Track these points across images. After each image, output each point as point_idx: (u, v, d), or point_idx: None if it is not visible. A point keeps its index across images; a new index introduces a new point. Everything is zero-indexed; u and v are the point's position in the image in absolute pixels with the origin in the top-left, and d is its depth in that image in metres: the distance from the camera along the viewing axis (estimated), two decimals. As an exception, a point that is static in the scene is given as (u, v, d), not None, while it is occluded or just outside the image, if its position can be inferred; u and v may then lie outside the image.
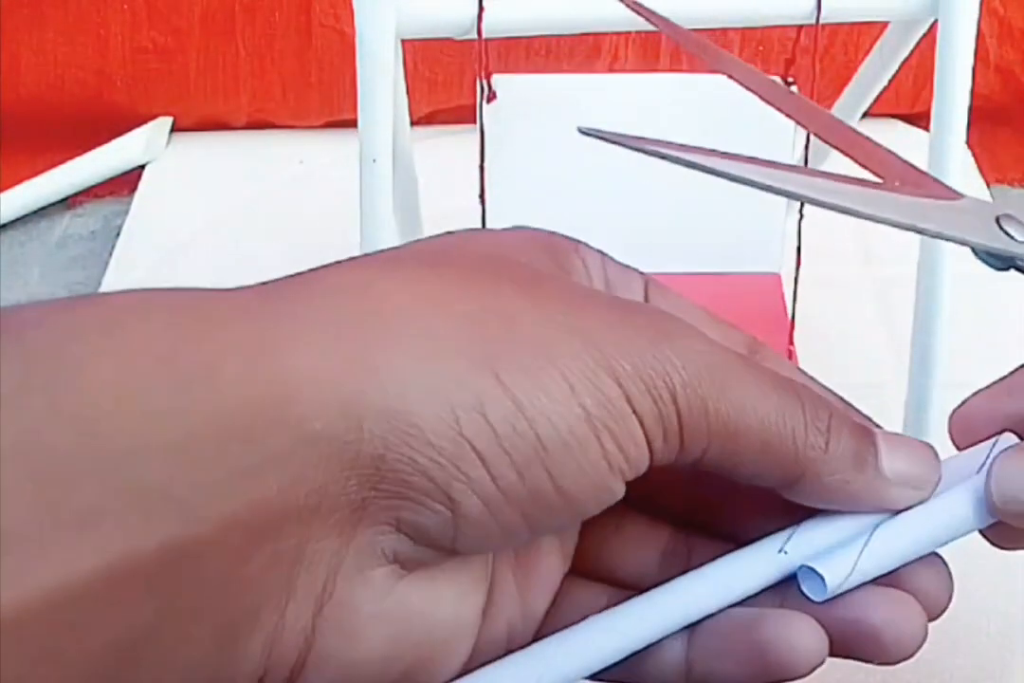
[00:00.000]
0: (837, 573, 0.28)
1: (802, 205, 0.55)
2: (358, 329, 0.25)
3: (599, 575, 0.32)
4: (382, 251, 0.29)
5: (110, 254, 0.80)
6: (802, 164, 0.55)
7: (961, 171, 0.53)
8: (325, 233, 0.79)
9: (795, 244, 0.56)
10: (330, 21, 0.82)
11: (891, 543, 0.29)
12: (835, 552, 0.28)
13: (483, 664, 0.29)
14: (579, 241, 0.32)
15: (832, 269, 0.74)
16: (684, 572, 0.30)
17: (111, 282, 0.78)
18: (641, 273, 0.33)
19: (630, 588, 0.31)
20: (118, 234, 0.81)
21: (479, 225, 0.53)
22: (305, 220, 0.81)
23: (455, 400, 0.25)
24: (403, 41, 0.47)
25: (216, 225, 0.82)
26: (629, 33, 0.76)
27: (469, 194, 0.55)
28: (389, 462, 0.25)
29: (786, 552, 0.29)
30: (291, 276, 0.28)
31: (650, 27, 0.51)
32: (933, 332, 0.55)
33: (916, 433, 0.57)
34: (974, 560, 0.50)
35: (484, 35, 0.45)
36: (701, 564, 0.30)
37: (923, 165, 0.53)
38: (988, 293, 0.73)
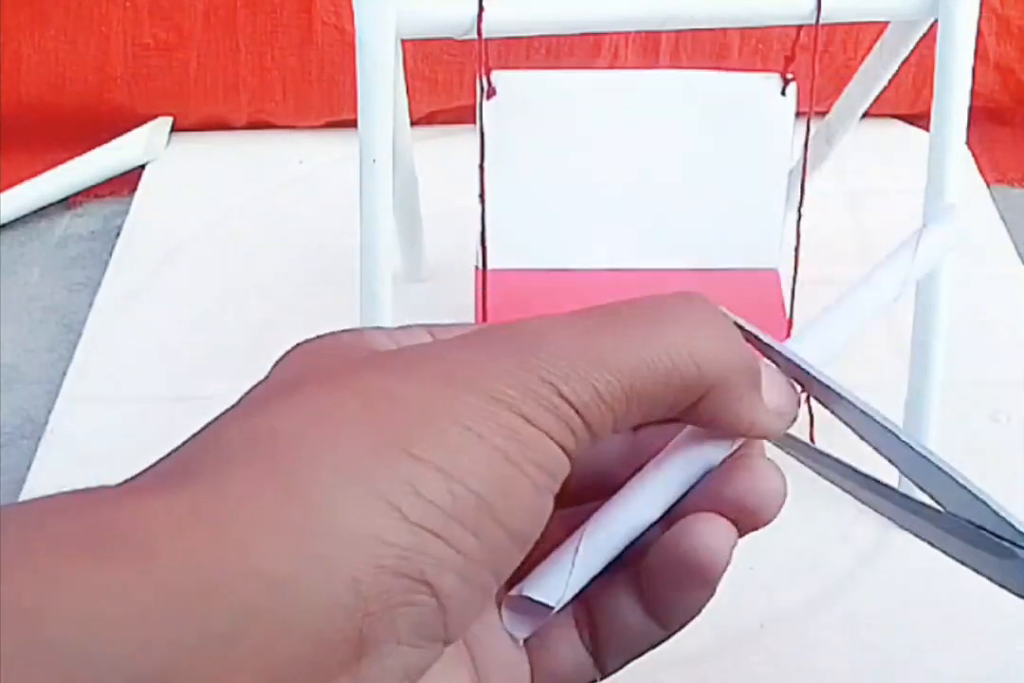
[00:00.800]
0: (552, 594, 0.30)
1: (800, 203, 0.55)
2: (285, 472, 0.25)
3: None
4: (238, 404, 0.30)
5: (110, 254, 0.80)
6: (801, 166, 0.55)
7: (961, 171, 0.53)
8: (325, 233, 0.79)
9: (793, 242, 0.56)
10: (331, 18, 0.82)
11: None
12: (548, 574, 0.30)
13: None
14: (355, 329, 0.32)
15: (831, 268, 0.74)
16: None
17: (111, 282, 0.78)
18: (422, 326, 0.33)
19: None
20: (118, 234, 0.81)
21: (479, 224, 0.53)
22: (305, 220, 0.81)
23: (389, 493, 0.25)
24: (403, 41, 0.47)
25: (216, 225, 0.82)
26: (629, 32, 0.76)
27: (469, 194, 0.55)
28: (365, 581, 0.25)
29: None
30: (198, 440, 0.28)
31: (650, 27, 0.51)
32: (933, 332, 0.55)
33: (916, 432, 0.57)
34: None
35: (484, 35, 0.45)
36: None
37: (923, 165, 0.54)
38: (988, 293, 0.73)
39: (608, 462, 0.33)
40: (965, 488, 0.29)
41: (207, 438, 0.28)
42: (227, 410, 0.29)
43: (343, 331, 0.32)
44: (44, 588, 0.23)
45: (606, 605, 0.32)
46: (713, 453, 0.31)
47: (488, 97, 0.49)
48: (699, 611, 0.32)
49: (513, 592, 0.30)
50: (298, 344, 0.32)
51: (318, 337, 0.32)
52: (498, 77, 0.52)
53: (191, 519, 0.24)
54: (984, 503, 0.29)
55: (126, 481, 0.27)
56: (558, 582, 0.30)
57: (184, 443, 0.28)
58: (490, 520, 0.27)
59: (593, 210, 0.60)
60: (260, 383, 0.31)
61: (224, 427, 0.28)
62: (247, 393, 0.30)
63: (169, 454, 0.28)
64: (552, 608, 0.29)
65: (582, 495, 0.33)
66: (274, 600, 0.24)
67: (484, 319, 0.52)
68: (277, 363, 0.32)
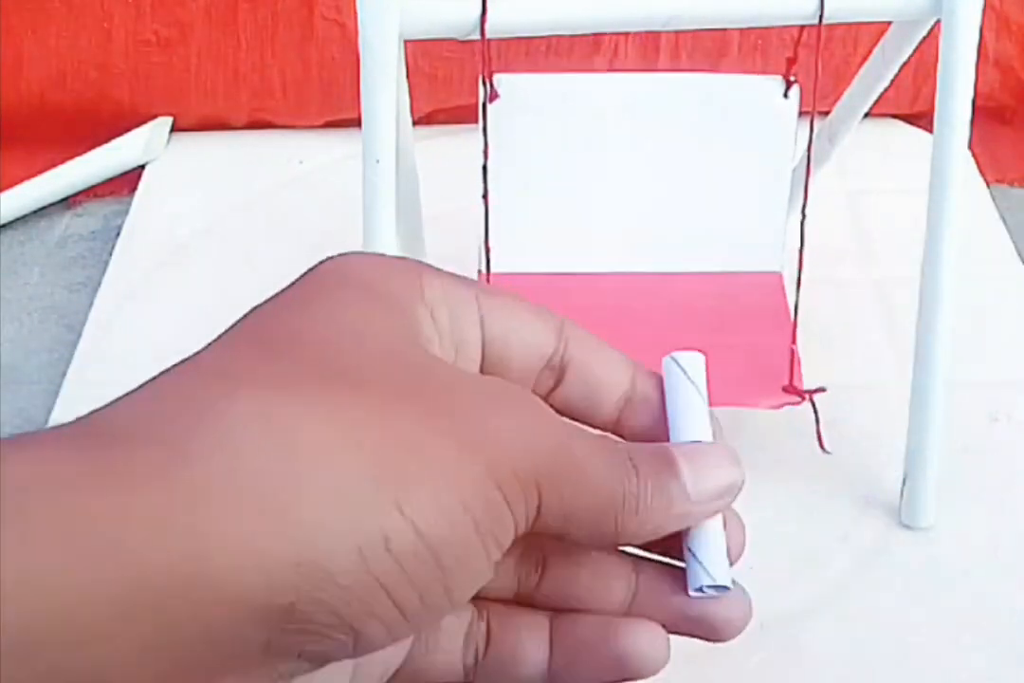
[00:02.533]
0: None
1: (804, 205, 0.55)
2: (267, 477, 0.26)
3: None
4: (249, 345, 0.29)
5: (110, 254, 0.80)
6: (805, 166, 0.55)
7: (964, 172, 0.53)
8: (325, 233, 0.79)
9: (797, 244, 0.56)
10: (332, 14, 0.82)
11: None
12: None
13: None
14: (421, 265, 0.33)
15: (832, 269, 0.74)
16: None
17: (111, 282, 0.78)
18: (471, 282, 0.33)
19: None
20: (118, 234, 0.81)
21: (481, 225, 0.53)
22: (305, 220, 0.81)
23: (362, 540, 0.26)
24: (405, 40, 0.47)
25: (216, 225, 0.82)
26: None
27: (470, 194, 0.55)
28: (299, 608, 0.25)
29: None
30: (182, 402, 0.28)
31: (653, 28, 0.51)
32: (936, 331, 0.55)
33: (919, 433, 0.57)
34: (974, 560, 0.50)
35: (487, 35, 0.45)
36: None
37: (923, 165, 0.54)
38: (988, 293, 0.74)
39: None
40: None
41: (215, 410, 0.27)
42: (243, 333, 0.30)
43: (394, 260, 0.32)
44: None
45: (513, 640, 0.33)
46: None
47: (491, 100, 0.49)
48: None
49: (701, 586, 0.31)
50: (336, 263, 0.32)
51: (362, 262, 0.32)
52: (501, 80, 0.52)
53: (165, 516, 0.24)
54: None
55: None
56: (724, 566, 0.32)
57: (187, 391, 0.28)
58: (439, 586, 0.27)
59: (596, 213, 0.60)
60: (284, 297, 0.30)
61: (232, 402, 0.27)
62: (272, 301, 0.30)
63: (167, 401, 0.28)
64: (728, 587, 0.31)
65: None
66: (214, 610, 0.24)
67: None
68: (309, 277, 0.31)
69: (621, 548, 0.33)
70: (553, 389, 0.33)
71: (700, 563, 0.31)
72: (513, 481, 0.28)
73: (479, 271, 0.55)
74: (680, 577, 0.32)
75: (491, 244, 0.53)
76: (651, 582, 0.33)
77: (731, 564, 0.32)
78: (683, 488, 0.31)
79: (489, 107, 0.51)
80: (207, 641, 0.25)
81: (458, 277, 0.33)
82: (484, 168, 0.51)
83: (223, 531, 0.25)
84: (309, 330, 0.29)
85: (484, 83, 0.52)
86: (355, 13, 0.44)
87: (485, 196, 0.52)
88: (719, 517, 0.32)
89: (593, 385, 0.34)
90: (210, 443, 0.26)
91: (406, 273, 0.32)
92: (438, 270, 0.33)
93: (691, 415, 0.33)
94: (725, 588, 0.31)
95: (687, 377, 0.33)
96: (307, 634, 0.26)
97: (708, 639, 0.32)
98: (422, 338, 0.31)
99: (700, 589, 0.31)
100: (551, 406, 0.31)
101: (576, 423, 0.32)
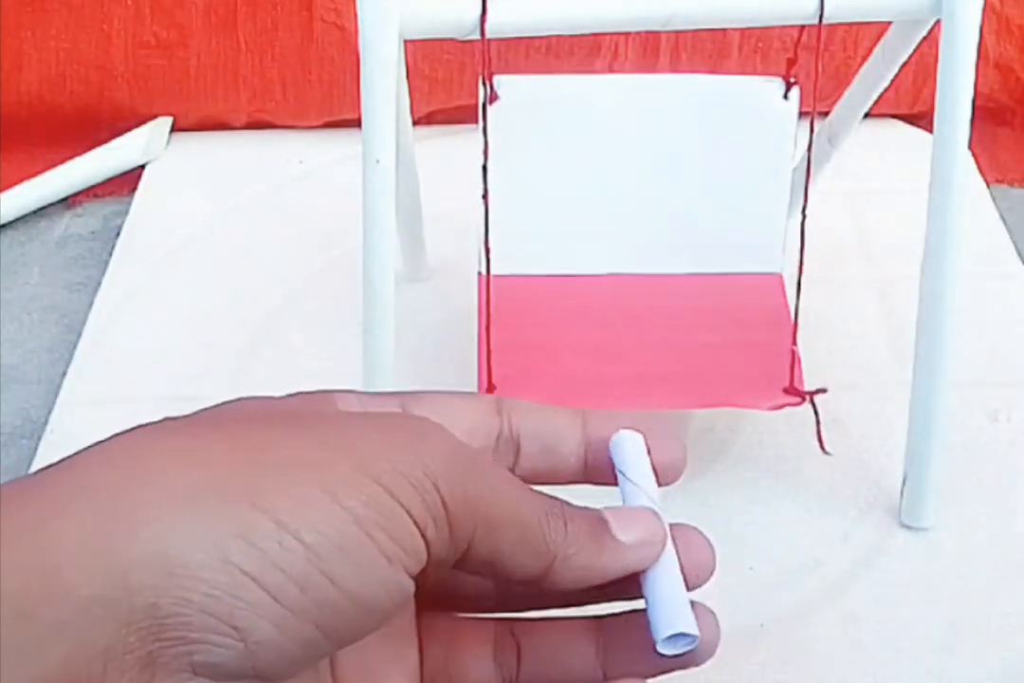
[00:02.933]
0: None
1: (804, 205, 0.55)
2: (118, 491, 0.27)
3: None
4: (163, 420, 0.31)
5: (110, 254, 0.80)
6: (805, 167, 0.55)
7: (965, 172, 0.53)
8: (325, 233, 0.79)
9: (797, 244, 0.56)
10: (331, 16, 0.82)
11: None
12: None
13: None
14: (331, 390, 0.34)
15: (833, 269, 0.74)
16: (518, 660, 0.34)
17: (111, 282, 0.78)
18: (398, 394, 0.35)
19: None
20: (118, 234, 0.81)
21: (481, 225, 0.53)
22: (305, 220, 0.81)
23: (217, 533, 0.26)
24: (405, 41, 0.47)
25: (216, 225, 0.82)
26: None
27: (470, 194, 0.55)
28: (164, 608, 0.26)
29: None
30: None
31: (653, 28, 0.51)
32: (937, 332, 0.55)
33: (921, 435, 0.57)
34: (974, 560, 0.50)
35: (487, 36, 0.45)
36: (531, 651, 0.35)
37: (923, 165, 0.54)
38: (988, 293, 0.74)
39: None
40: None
41: (79, 459, 0.29)
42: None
43: (316, 391, 0.34)
44: None
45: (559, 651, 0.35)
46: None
47: (490, 102, 0.49)
48: None
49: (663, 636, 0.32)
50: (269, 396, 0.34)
51: (291, 394, 0.34)
52: (500, 81, 0.52)
53: (19, 533, 0.25)
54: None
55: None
56: (685, 612, 0.32)
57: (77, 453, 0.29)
58: (319, 575, 0.27)
59: (596, 215, 0.60)
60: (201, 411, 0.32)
61: (95, 452, 0.29)
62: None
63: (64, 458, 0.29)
64: (697, 636, 0.32)
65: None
66: (78, 618, 0.25)
67: (487, 325, 0.52)
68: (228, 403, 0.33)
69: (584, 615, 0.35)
70: (515, 463, 0.35)
71: (659, 617, 0.32)
72: (400, 479, 0.29)
73: (479, 273, 0.55)
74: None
75: (491, 245, 0.53)
76: (619, 640, 0.35)
77: (700, 584, 0.34)
78: (611, 531, 0.33)
79: (489, 108, 0.51)
80: (79, 652, 0.25)
81: (378, 393, 0.35)
82: (484, 168, 0.51)
83: (75, 542, 0.26)
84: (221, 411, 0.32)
85: (484, 84, 0.52)
86: (355, 15, 0.44)
87: (485, 196, 0.52)
88: (671, 565, 0.33)
89: (550, 444, 0.35)
90: (63, 469, 0.28)
91: (314, 396, 0.34)
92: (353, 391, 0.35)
93: (633, 493, 0.34)
94: (690, 636, 0.32)
95: (626, 476, 0.34)
96: (190, 643, 0.26)
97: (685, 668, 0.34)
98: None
99: (669, 639, 0.32)
100: (518, 477, 0.33)
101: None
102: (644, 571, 0.33)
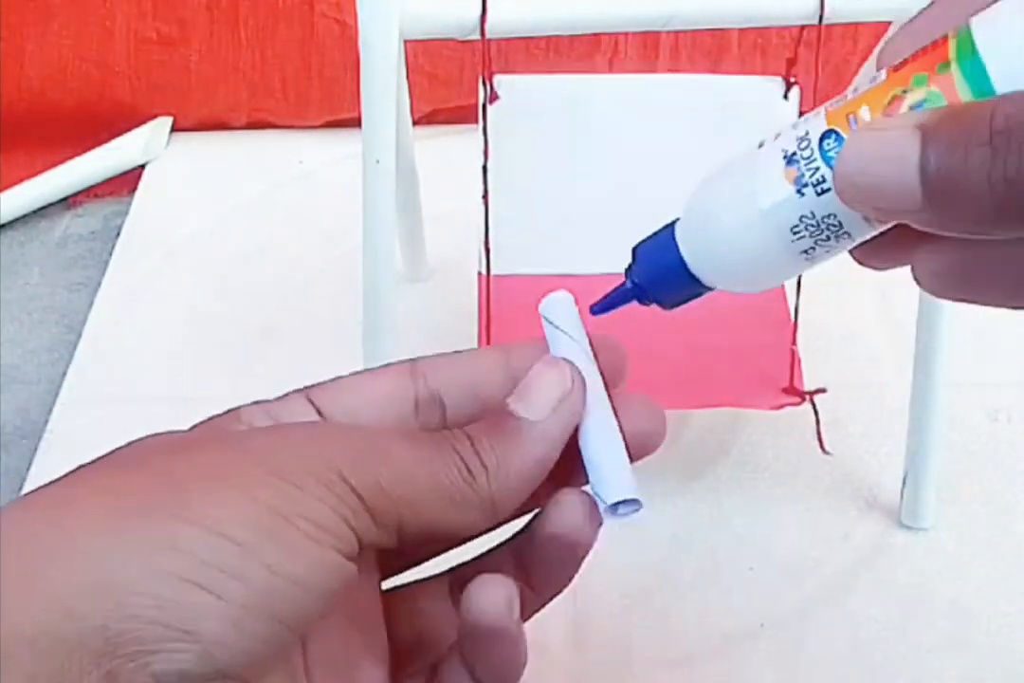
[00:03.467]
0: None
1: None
2: (44, 534, 0.28)
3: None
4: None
5: (110, 254, 0.80)
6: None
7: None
8: (325, 233, 0.79)
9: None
10: (332, 12, 0.82)
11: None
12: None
13: None
14: (234, 408, 0.35)
15: (832, 269, 0.74)
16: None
17: (111, 282, 0.78)
18: (301, 390, 0.36)
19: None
20: (118, 234, 0.81)
21: (481, 225, 0.53)
22: (305, 220, 0.81)
23: (147, 549, 0.28)
24: (405, 40, 0.47)
25: (216, 225, 0.82)
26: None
27: (470, 194, 0.55)
28: (113, 628, 0.27)
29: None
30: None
31: (653, 28, 0.51)
32: (936, 331, 0.55)
33: (919, 433, 0.57)
34: (974, 560, 0.50)
35: (487, 35, 0.45)
36: None
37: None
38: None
39: None
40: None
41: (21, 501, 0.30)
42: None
43: (223, 412, 0.35)
44: None
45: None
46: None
47: (491, 101, 0.49)
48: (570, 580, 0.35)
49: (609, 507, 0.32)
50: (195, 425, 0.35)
51: (195, 425, 0.35)
52: (501, 81, 0.52)
53: None
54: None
55: None
56: (623, 477, 0.32)
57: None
58: (256, 565, 0.28)
59: (595, 214, 0.60)
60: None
61: (13, 508, 0.30)
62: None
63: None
64: (640, 503, 0.32)
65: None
66: (25, 652, 0.26)
67: (487, 325, 0.52)
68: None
69: None
70: (443, 417, 0.35)
71: (599, 485, 0.32)
72: (307, 476, 0.30)
73: (479, 273, 0.55)
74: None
75: (491, 245, 0.53)
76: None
77: (648, 452, 0.34)
78: (520, 420, 0.33)
79: (489, 108, 0.51)
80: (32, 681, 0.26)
81: (282, 395, 0.36)
82: (484, 168, 0.51)
83: (10, 586, 0.27)
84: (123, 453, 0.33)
85: (484, 84, 0.52)
86: (356, 12, 0.44)
87: (485, 196, 0.52)
88: (604, 425, 0.33)
89: (473, 391, 0.35)
90: (3, 524, 0.29)
91: (219, 419, 0.35)
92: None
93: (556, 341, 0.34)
94: (634, 501, 0.32)
95: (553, 325, 0.34)
96: (147, 654, 0.27)
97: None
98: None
99: (612, 510, 0.32)
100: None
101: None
102: (579, 433, 0.33)
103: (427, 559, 0.37)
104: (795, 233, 0.29)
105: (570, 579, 0.35)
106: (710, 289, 0.31)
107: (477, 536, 0.34)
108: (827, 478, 0.62)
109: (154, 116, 0.87)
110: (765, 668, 0.53)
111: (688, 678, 0.53)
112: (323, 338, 0.72)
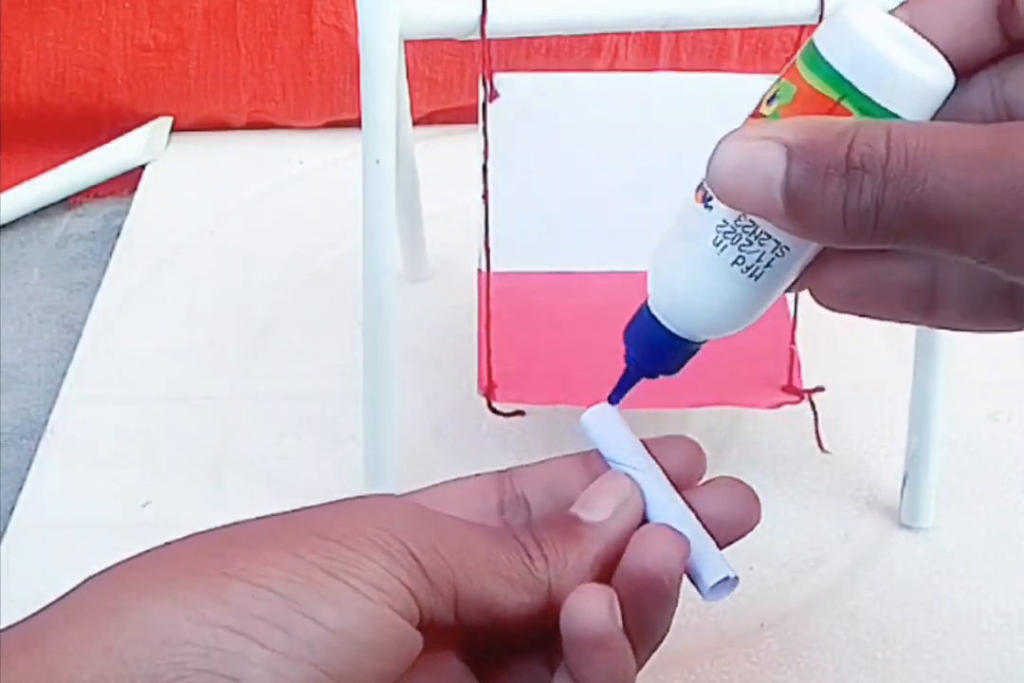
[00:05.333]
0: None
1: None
2: (103, 598, 0.31)
3: None
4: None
5: (110, 254, 0.80)
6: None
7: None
8: (325, 233, 0.79)
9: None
10: (331, 19, 0.82)
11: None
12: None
13: None
14: None
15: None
16: None
17: (111, 282, 0.78)
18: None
19: None
20: (118, 234, 0.81)
21: (481, 224, 0.53)
22: (305, 220, 0.81)
23: (194, 601, 0.30)
24: (404, 41, 0.47)
25: (216, 225, 0.82)
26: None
27: (469, 194, 0.55)
28: (163, 675, 0.29)
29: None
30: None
31: (653, 28, 0.51)
32: (936, 331, 0.55)
33: (919, 433, 0.57)
34: (974, 560, 0.50)
35: (487, 35, 0.45)
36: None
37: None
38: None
39: None
40: None
41: (59, 600, 0.32)
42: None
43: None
44: None
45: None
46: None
47: (491, 100, 0.49)
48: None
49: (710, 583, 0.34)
50: None
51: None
52: (501, 80, 0.52)
53: (16, 648, 0.29)
54: None
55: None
56: (717, 562, 0.34)
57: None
58: (300, 616, 0.30)
59: (595, 212, 0.60)
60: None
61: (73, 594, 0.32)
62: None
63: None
64: (736, 578, 0.34)
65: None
66: None
67: (487, 322, 0.52)
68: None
69: None
70: (529, 516, 0.36)
71: (693, 573, 0.33)
72: (360, 537, 0.32)
73: (479, 270, 0.55)
74: None
75: (491, 243, 0.53)
76: None
77: (740, 535, 0.36)
78: (582, 522, 0.35)
79: (489, 107, 0.51)
80: None
81: None
82: (484, 168, 0.51)
83: (68, 643, 0.29)
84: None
85: (484, 83, 0.52)
86: (354, 18, 0.44)
87: (485, 196, 0.52)
88: (676, 520, 0.34)
89: (558, 490, 0.37)
90: (64, 602, 0.31)
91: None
92: None
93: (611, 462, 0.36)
94: (732, 578, 0.33)
95: (595, 437, 0.36)
96: None
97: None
98: None
99: (715, 589, 0.33)
100: None
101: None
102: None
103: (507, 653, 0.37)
104: (717, 244, 0.31)
105: (665, 627, 0.36)
106: (701, 342, 0.34)
107: (538, 630, 0.35)
108: (826, 478, 0.62)
109: (154, 116, 0.87)
110: (765, 668, 0.53)
111: (688, 678, 0.53)
112: (323, 338, 0.72)
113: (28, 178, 0.83)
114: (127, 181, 0.85)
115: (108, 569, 0.32)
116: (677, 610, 0.56)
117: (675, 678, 0.52)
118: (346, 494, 0.63)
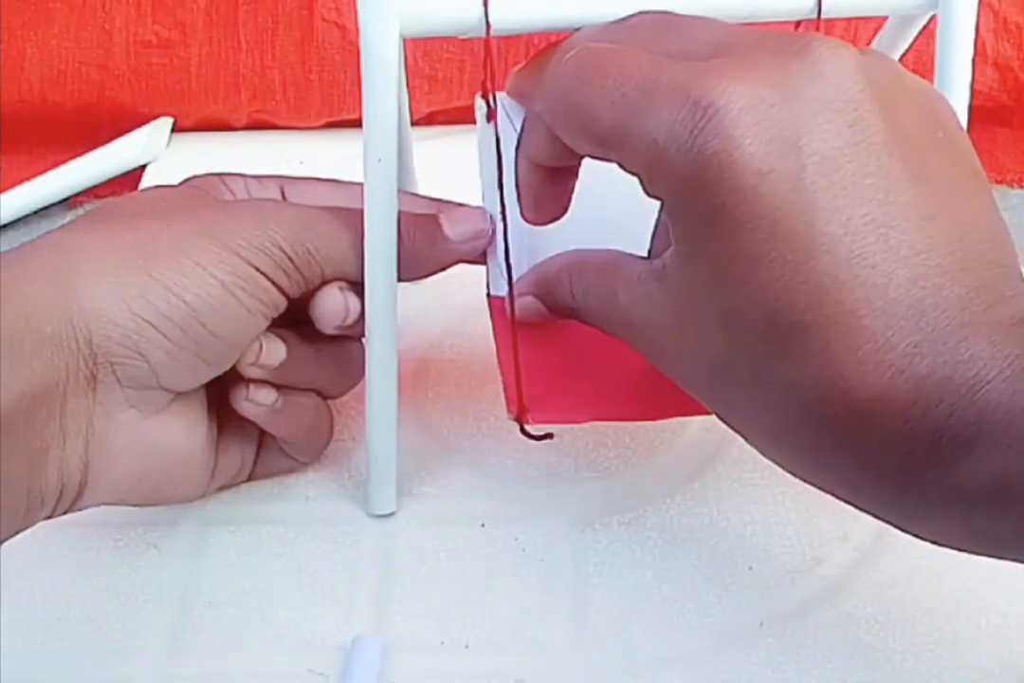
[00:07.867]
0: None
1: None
2: (62, 269, 0.42)
3: None
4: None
5: (110, 254, 0.80)
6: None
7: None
8: (325, 233, 0.79)
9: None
10: (332, 16, 0.82)
11: None
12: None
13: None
14: (224, 173, 0.55)
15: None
16: None
17: (111, 282, 0.77)
18: (279, 177, 0.56)
19: None
20: (118, 234, 0.81)
21: (500, 243, 0.53)
22: (305, 220, 0.81)
23: (125, 295, 0.42)
24: (404, 39, 0.47)
25: (216, 225, 0.81)
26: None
27: (469, 194, 0.54)
28: (95, 342, 0.42)
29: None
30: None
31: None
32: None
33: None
34: (973, 560, 0.50)
35: (489, 34, 0.44)
36: None
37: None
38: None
39: None
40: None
41: (31, 247, 0.44)
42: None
43: (212, 174, 0.54)
44: None
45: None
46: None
47: (489, 120, 0.49)
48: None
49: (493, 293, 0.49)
50: (184, 180, 0.53)
51: (197, 176, 0.54)
52: (503, 100, 0.51)
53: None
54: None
55: None
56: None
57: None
58: (196, 322, 0.44)
59: (596, 212, 0.59)
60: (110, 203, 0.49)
61: (40, 244, 0.44)
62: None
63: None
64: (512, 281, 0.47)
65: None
66: (45, 344, 0.40)
67: (515, 345, 0.50)
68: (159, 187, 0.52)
69: None
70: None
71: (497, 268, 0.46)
72: (252, 248, 0.45)
73: (488, 295, 0.54)
74: None
75: (495, 262, 0.52)
76: None
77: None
78: (443, 234, 0.50)
79: (486, 126, 0.51)
80: (49, 368, 0.40)
81: (261, 176, 0.55)
82: (500, 184, 0.51)
83: (37, 300, 0.41)
84: (121, 203, 0.48)
85: (486, 83, 0.52)
86: (355, 15, 0.44)
87: (503, 212, 0.52)
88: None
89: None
90: (22, 254, 0.43)
91: (204, 180, 0.54)
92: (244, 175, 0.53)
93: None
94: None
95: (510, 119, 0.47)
96: (114, 364, 0.42)
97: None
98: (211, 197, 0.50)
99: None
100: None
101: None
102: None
103: None
104: None
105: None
106: None
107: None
108: (827, 478, 0.62)
109: (155, 117, 0.87)
110: (765, 668, 0.53)
111: (688, 678, 0.53)
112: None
113: (29, 178, 0.83)
114: (128, 181, 0.85)
115: (59, 229, 0.45)
116: (677, 610, 0.56)
117: (675, 678, 0.52)
118: (346, 494, 0.63)
